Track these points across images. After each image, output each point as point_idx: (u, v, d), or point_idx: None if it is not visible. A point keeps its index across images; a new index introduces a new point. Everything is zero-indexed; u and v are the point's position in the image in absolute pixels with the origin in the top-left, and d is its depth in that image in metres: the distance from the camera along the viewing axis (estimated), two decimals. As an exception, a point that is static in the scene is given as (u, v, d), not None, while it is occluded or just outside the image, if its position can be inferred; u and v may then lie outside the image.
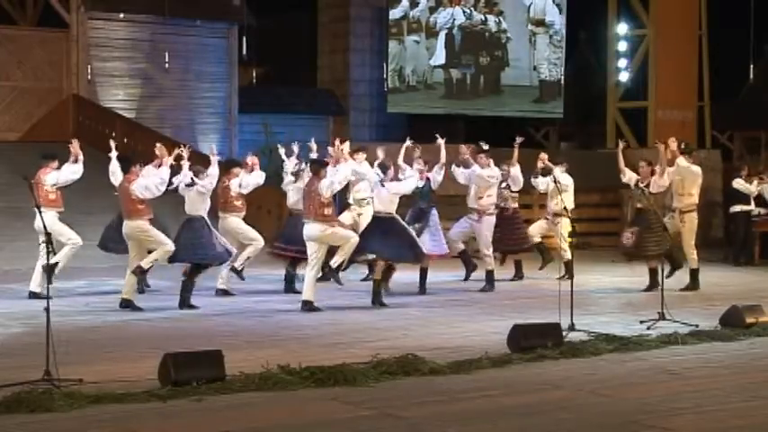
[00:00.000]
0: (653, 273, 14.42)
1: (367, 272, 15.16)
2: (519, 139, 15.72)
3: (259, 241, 13.92)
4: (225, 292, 13.78)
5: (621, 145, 15.39)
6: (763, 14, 26.15)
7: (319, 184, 12.56)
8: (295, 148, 14.67)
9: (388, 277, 13.74)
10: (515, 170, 15.55)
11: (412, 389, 8.33)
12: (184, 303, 12.70)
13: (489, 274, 14.77)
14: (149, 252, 12.72)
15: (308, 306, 12.54)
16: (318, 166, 12.93)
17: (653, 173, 14.58)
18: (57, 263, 13.28)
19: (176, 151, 12.96)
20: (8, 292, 13.87)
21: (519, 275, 16.00)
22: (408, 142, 14.79)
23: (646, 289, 14.48)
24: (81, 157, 13.66)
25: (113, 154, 13.77)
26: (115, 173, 13.65)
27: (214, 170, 13.00)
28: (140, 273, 12.58)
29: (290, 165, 14.42)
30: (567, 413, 7.62)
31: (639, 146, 24.45)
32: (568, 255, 15.71)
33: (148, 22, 22.74)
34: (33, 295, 13.30)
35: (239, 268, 13.88)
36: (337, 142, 13.55)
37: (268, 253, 14.52)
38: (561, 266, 15.50)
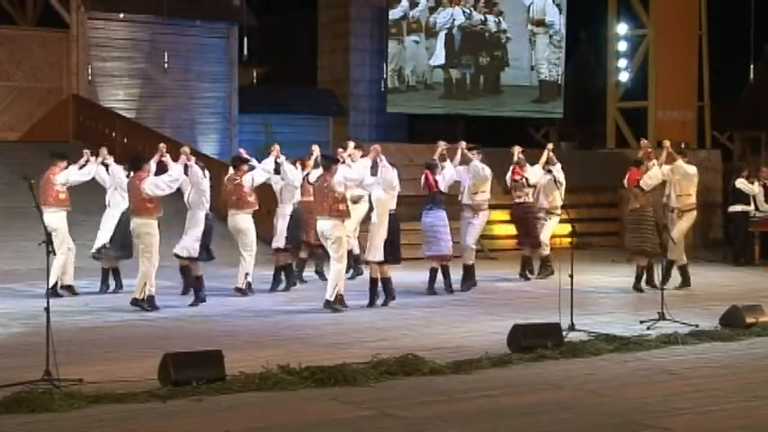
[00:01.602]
0: (639, 270, 14.63)
1: (352, 271, 15.25)
2: (550, 146, 16.29)
3: (252, 254, 13.86)
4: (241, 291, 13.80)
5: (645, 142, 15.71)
6: (764, 14, 26.13)
7: (332, 180, 12.57)
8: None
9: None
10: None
11: (412, 389, 8.32)
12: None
13: (469, 269, 14.79)
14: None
15: (329, 305, 12.56)
16: (329, 162, 12.95)
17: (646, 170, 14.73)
18: (56, 282, 13.31)
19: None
20: (8, 292, 13.87)
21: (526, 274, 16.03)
22: (463, 144, 15.04)
23: (633, 286, 14.61)
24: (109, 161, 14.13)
25: (109, 160, 14.09)
26: (104, 179, 14.12)
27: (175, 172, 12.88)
28: (136, 303, 12.50)
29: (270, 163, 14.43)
30: (567, 413, 7.63)
31: (640, 146, 24.39)
32: (548, 251, 15.88)
33: (148, 22, 22.74)
34: (65, 287, 13.49)
35: (243, 287, 13.79)
36: (351, 145, 13.93)
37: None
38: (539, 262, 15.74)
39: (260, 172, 13.99)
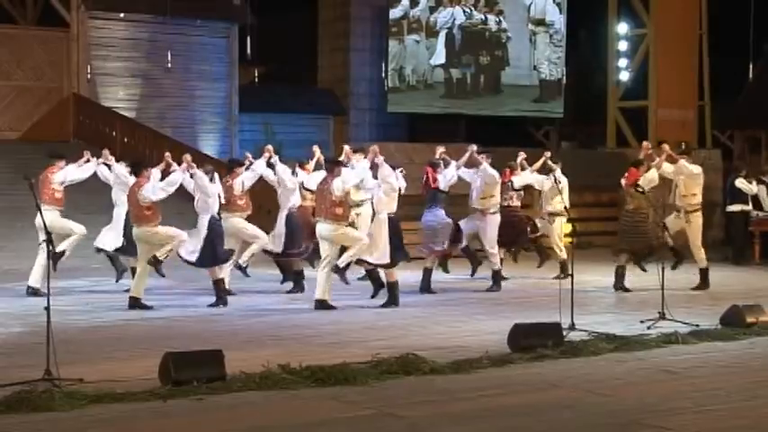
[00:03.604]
0: (618, 270, 14.74)
1: (363, 272, 15.20)
2: (548, 153, 16.41)
3: (263, 238, 13.89)
4: (227, 292, 13.77)
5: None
6: (763, 14, 26.14)
7: (332, 183, 12.54)
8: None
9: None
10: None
11: (412, 389, 8.33)
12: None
13: (496, 273, 14.79)
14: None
15: (322, 304, 12.56)
16: (333, 165, 12.90)
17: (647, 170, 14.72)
18: (63, 251, 13.50)
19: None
20: (8, 292, 13.87)
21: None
22: (474, 147, 15.09)
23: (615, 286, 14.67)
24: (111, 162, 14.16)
25: (110, 161, 14.16)
26: (107, 176, 14.18)
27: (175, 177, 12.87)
28: (155, 263, 12.60)
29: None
30: (566, 413, 7.63)
31: (640, 146, 24.39)
32: (564, 254, 15.82)
33: (149, 21, 22.76)
34: (32, 291, 13.42)
35: (244, 265, 13.87)
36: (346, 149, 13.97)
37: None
38: (558, 266, 15.63)
39: (250, 174, 13.93)
